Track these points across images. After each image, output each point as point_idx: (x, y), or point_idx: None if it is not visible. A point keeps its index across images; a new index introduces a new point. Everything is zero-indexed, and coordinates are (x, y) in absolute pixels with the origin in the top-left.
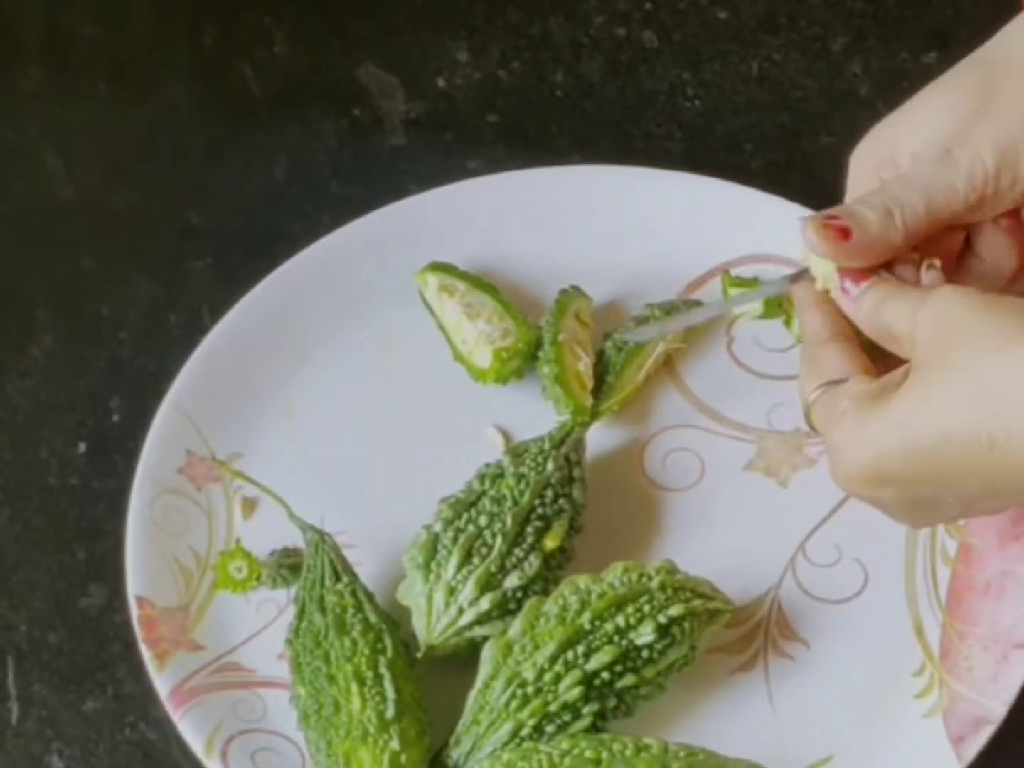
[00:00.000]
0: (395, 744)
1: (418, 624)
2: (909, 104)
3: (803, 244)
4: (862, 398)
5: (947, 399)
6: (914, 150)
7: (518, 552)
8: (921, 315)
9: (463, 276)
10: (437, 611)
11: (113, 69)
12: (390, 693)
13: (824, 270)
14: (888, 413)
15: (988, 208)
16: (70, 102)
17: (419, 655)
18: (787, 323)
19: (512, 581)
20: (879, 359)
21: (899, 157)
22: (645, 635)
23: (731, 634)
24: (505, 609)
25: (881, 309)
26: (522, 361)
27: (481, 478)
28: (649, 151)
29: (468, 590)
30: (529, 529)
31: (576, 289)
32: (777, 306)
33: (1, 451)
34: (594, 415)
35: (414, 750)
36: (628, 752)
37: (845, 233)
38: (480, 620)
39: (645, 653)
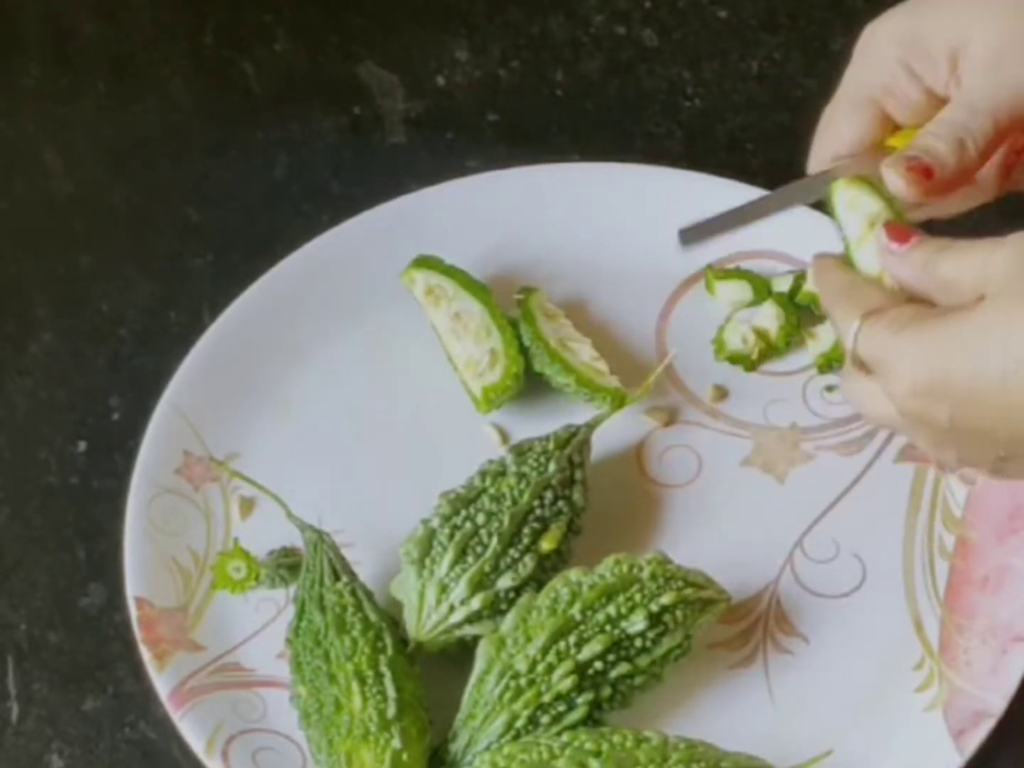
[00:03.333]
0: (396, 742)
1: (409, 620)
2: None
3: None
4: (925, 314)
5: (1021, 330)
6: (953, 46)
7: (513, 553)
8: (999, 253)
9: (449, 272)
10: (428, 608)
11: (113, 66)
12: (391, 692)
13: (857, 230)
14: (960, 329)
15: None
16: (70, 99)
17: (408, 651)
18: (778, 303)
19: (505, 582)
20: None
21: (930, 46)
22: (637, 624)
23: (730, 630)
24: (496, 609)
25: (937, 259)
26: (511, 393)
27: (483, 475)
28: (649, 150)
29: (460, 588)
30: (526, 530)
31: (525, 291)
32: (766, 292)
33: (1, 450)
34: (624, 399)
35: (415, 748)
36: (628, 744)
37: (928, 172)
38: (470, 619)
39: (638, 642)
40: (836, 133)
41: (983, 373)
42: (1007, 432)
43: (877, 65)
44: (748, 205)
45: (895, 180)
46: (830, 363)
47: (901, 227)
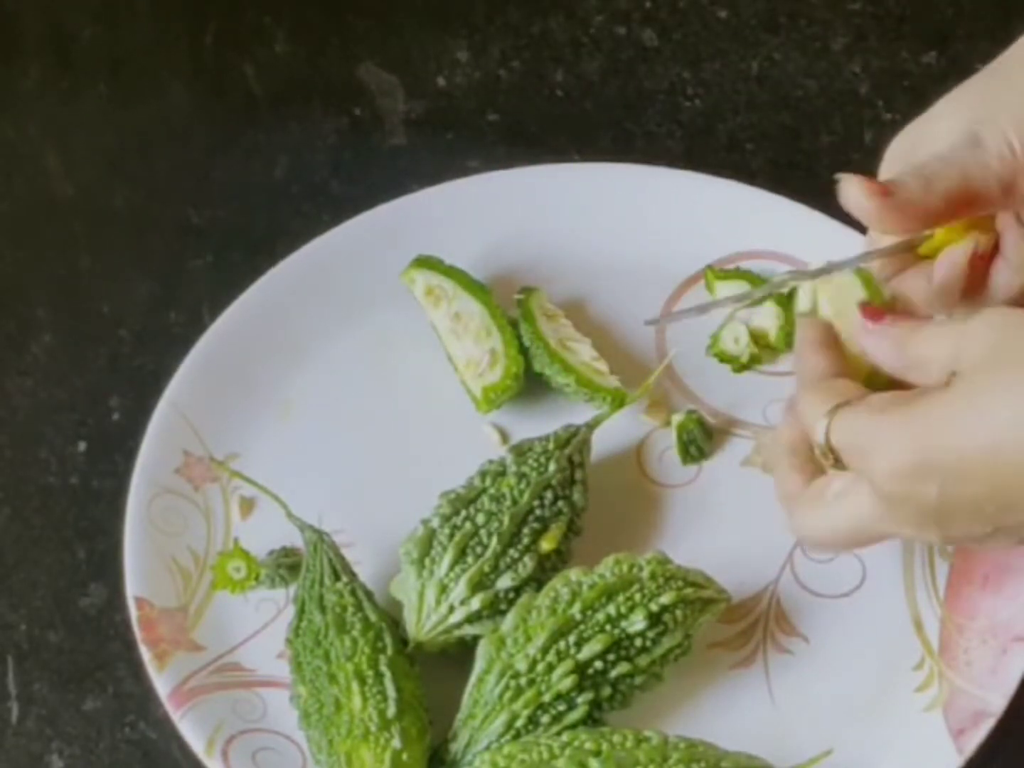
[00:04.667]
0: (397, 743)
1: (408, 619)
2: (936, 105)
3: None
4: (903, 397)
5: (1004, 400)
6: (941, 143)
7: (513, 553)
8: (971, 326)
9: (450, 272)
10: (428, 608)
11: (113, 68)
12: (391, 692)
13: (839, 306)
14: (944, 406)
15: (1020, 189)
16: (70, 101)
17: (407, 650)
18: (778, 303)
19: (505, 582)
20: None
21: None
22: (637, 623)
23: (730, 630)
24: (496, 609)
25: (910, 338)
26: (511, 394)
27: (483, 475)
28: (649, 150)
29: (460, 589)
30: (526, 530)
31: (525, 291)
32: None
33: (1, 450)
34: (624, 399)
35: (415, 748)
36: (628, 744)
37: (885, 191)
38: (470, 619)
39: (638, 642)
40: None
41: (971, 446)
42: (995, 504)
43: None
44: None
45: (852, 191)
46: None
47: (876, 307)
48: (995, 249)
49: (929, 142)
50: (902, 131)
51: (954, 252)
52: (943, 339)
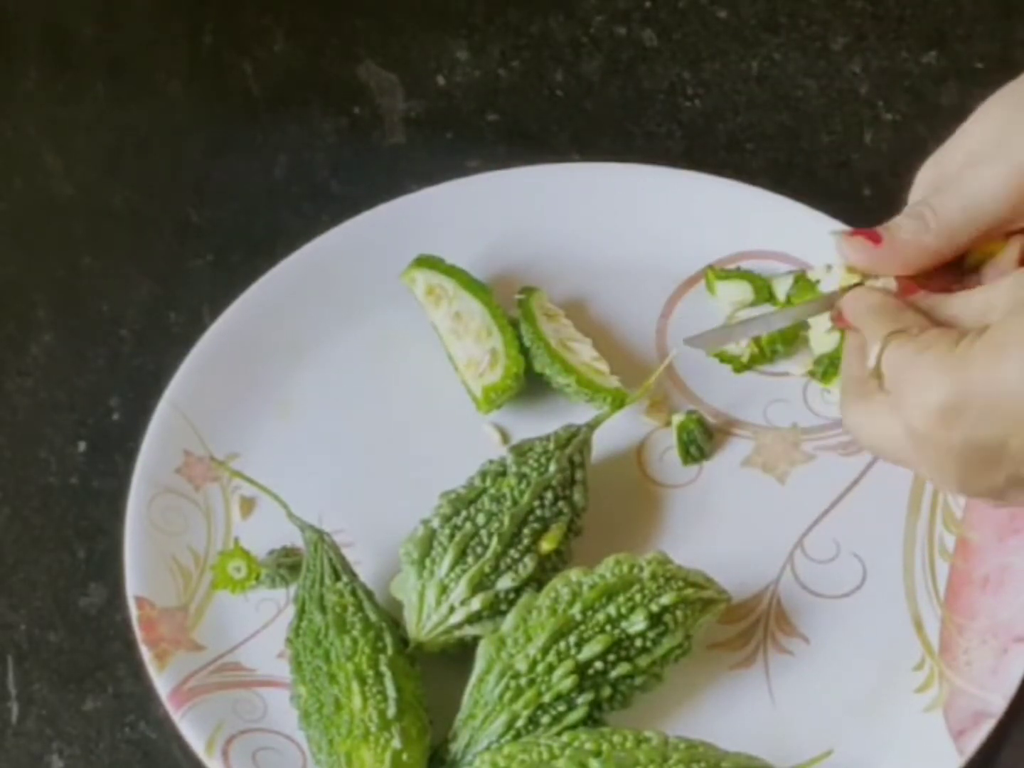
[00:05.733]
0: (397, 743)
1: (409, 620)
2: (966, 123)
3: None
4: (946, 337)
5: None
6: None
7: (513, 553)
8: (1000, 286)
9: (451, 272)
10: (428, 608)
11: (112, 68)
12: (391, 692)
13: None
14: (970, 355)
15: None
16: (69, 101)
17: (408, 651)
18: (776, 304)
19: (505, 582)
20: None
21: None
22: (637, 624)
23: (730, 630)
24: (496, 610)
25: (943, 301)
26: (512, 394)
27: (483, 475)
28: (649, 150)
29: (460, 589)
30: (526, 531)
31: (526, 291)
32: (767, 293)
33: (1, 450)
34: (625, 399)
35: (415, 748)
36: (628, 744)
37: (874, 239)
38: (471, 620)
39: (638, 642)
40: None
41: (1003, 385)
42: (1020, 441)
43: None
44: (753, 320)
45: (842, 246)
46: (831, 363)
47: (908, 282)
48: None
49: (957, 156)
50: (938, 150)
51: (1001, 261)
52: (975, 298)
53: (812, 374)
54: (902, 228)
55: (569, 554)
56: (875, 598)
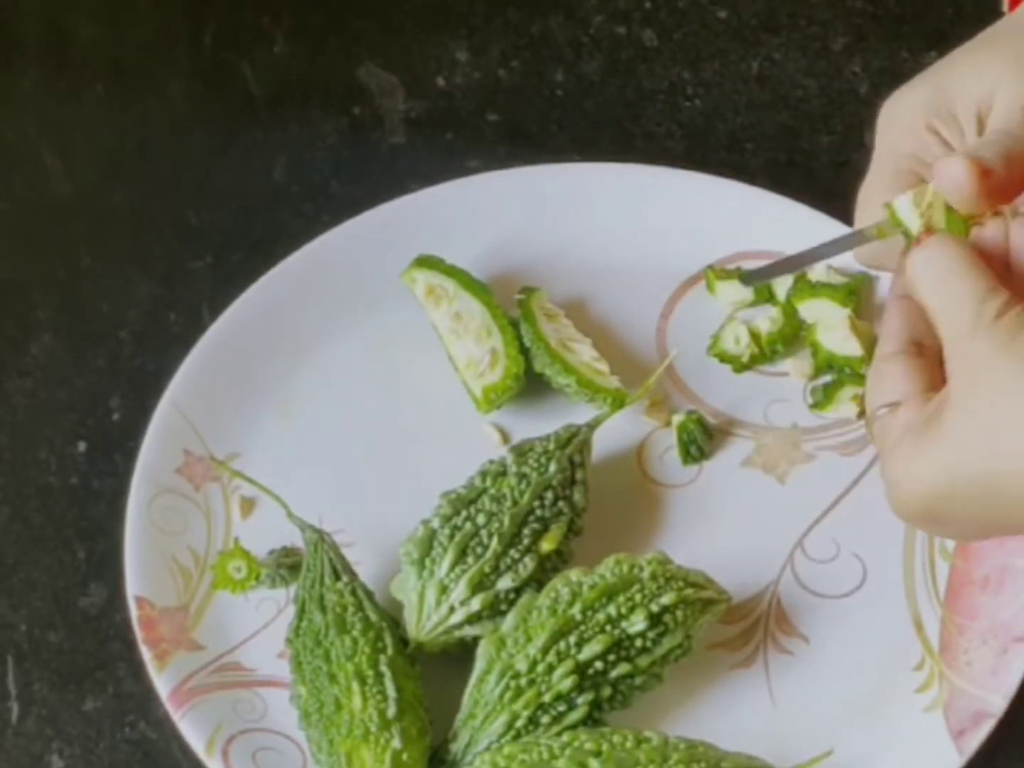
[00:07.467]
0: (397, 743)
1: (409, 620)
2: (944, 63)
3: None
4: (913, 428)
5: (989, 436)
6: (980, 104)
7: (513, 553)
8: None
9: (451, 272)
10: (428, 608)
11: (112, 68)
12: (391, 692)
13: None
14: (935, 449)
15: None
16: (69, 101)
17: (408, 651)
18: (776, 304)
19: (505, 583)
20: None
21: (955, 108)
22: (637, 624)
23: (731, 630)
24: (496, 610)
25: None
26: (512, 394)
27: (483, 475)
28: (649, 150)
29: (460, 589)
30: (526, 531)
31: (526, 291)
32: (767, 293)
33: (1, 450)
34: (625, 400)
35: (415, 748)
36: (628, 744)
37: (986, 172)
38: (470, 620)
39: (638, 642)
40: (877, 209)
41: (966, 498)
42: (1018, 522)
43: (905, 135)
44: (807, 251)
45: (957, 172)
46: (829, 364)
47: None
48: None
49: (959, 93)
50: (907, 88)
51: None
52: None
53: (813, 406)
54: (998, 165)
55: (569, 554)
56: (875, 598)
